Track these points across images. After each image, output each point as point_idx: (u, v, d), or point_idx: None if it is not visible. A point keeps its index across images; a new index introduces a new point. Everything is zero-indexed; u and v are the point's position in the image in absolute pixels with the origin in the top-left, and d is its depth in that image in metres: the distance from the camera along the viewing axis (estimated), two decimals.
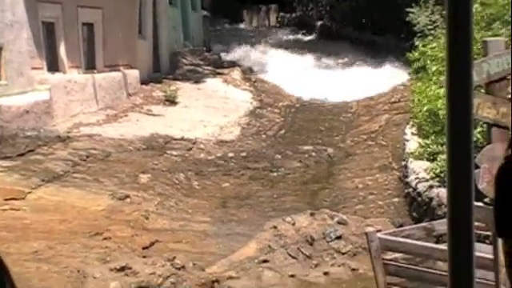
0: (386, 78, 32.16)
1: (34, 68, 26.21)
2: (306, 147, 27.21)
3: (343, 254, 16.79)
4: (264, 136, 28.71)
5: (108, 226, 18.65)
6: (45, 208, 19.37)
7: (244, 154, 25.91)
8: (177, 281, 14.61)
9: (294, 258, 16.76)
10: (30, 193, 20.16)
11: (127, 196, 20.89)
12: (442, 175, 17.53)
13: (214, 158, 25.17)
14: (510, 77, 16.74)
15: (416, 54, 23.65)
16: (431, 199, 18.43)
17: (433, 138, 20.21)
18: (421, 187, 19.49)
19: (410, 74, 24.03)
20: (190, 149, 25.60)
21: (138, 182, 22.16)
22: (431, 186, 18.92)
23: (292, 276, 16.26)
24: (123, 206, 20.23)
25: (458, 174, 2.29)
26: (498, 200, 1.44)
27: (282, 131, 29.54)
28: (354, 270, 16.06)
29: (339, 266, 16.50)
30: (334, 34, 42.63)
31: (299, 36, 44.85)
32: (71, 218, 18.95)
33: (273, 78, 36.43)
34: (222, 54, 39.90)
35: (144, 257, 16.26)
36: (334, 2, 43.54)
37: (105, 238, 17.93)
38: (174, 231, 18.98)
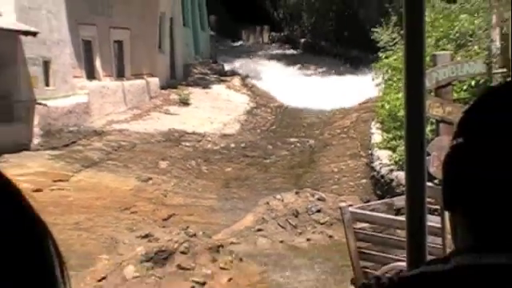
0: (356, 83, 32.01)
1: (75, 77, 26.26)
2: (292, 139, 27.23)
3: (322, 224, 16.84)
4: (259, 130, 28.69)
5: (134, 203, 18.72)
6: (84, 188, 19.42)
7: (243, 145, 25.92)
8: (189, 246, 14.60)
9: (282, 227, 16.80)
10: (72, 176, 20.25)
11: (150, 178, 21.00)
12: (401, 162, 17.56)
13: (218, 148, 25.18)
14: (454, 83, 16.85)
15: (380, 65, 23.66)
16: (392, 180, 18.51)
17: (393, 132, 20.25)
18: (383, 171, 19.57)
19: (373, 79, 24.00)
20: (200, 141, 25.60)
21: (158, 167, 22.23)
22: (392, 170, 19.01)
23: (281, 242, 16.31)
24: (147, 187, 20.32)
25: (414, 160, 2.29)
26: (445, 181, 1.43)
27: (273, 126, 29.53)
28: (330, 236, 16.11)
29: (319, 233, 16.56)
30: (314, 49, 42.54)
31: (286, 51, 44.73)
32: (105, 195, 18.99)
33: (265, 83, 36.33)
34: (225, 65, 39.82)
35: (163, 227, 16.28)
36: (314, 23, 43.43)
37: (132, 212, 18.00)
38: (187, 206, 19.02)
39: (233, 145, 25.82)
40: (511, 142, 1.41)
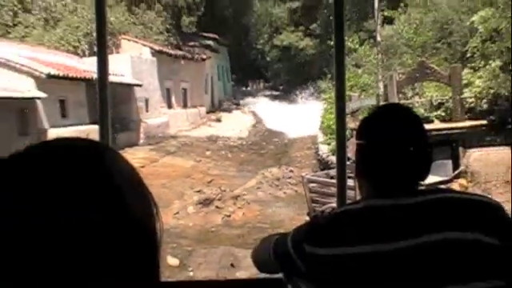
0: (311, 108, 31.84)
1: (161, 107, 26.28)
2: (275, 139, 27.16)
3: (292, 184, 16.83)
4: (258, 135, 28.63)
5: (193, 173, 18.71)
6: (166, 166, 19.41)
7: (250, 143, 25.88)
8: (222, 195, 14.64)
9: (271, 186, 16.80)
10: (160, 159, 20.26)
11: (200, 160, 20.96)
12: (333, 151, 17.57)
13: (237, 145, 25.14)
14: (360, 110, 16.84)
15: (322, 100, 23.75)
16: (328, 161, 18.43)
17: (329, 135, 20.22)
18: (324, 156, 19.51)
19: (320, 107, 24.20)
20: (227, 141, 25.55)
21: (204, 154, 22.21)
22: (328, 156, 18.93)
23: (270, 194, 16.32)
24: (199, 165, 20.29)
25: (340, 150, 2.29)
26: (356, 161, 1.45)
27: (266, 133, 29.46)
28: (296, 191, 16.09)
29: (290, 189, 16.55)
30: (288, 92, 42.25)
31: (273, 92, 44.50)
32: (177, 169, 18.98)
33: (260, 110, 36.10)
34: (240, 100, 39.70)
35: (208, 186, 16.31)
36: (287, 77, 43.20)
37: (191, 178, 17.97)
38: (220, 175, 18.99)
39: (244, 143, 25.81)
40: (379, 140, 1.45)
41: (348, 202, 2.10)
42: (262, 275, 1.80)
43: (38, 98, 17.88)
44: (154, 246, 0.70)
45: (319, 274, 1.38)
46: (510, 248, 1.34)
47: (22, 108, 17.29)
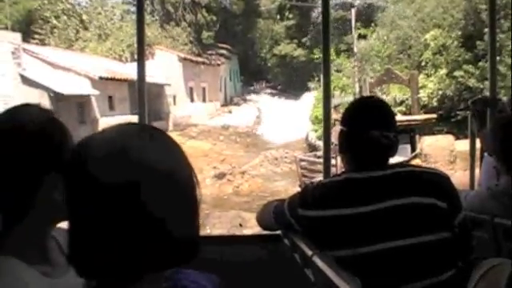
0: (302, 104, 31.51)
1: (185, 101, 26.15)
2: (274, 127, 26.97)
3: (287, 163, 16.75)
4: (261, 123, 28.42)
5: (210, 153, 18.60)
6: (189, 147, 19.03)
7: (254, 130, 25.78)
8: (232, 171, 14.65)
9: (270, 164, 16.77)
10: (185, 142, 20.06)
11: (215, 143, 20.86)
12: (320, 137, 17.48)
13: (244, 132, 25.02)
14: (341, 105, 16.66)
15: (313, 96, 23.56)
16: (316, 145, 18.29)
17: (316, 124, 20.10)
18: (312, 140, 19.40)
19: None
20: (236, 128, 25.45)
21: (219, 139, 22.10)
22: (316, 141, 18.82)
23: (270, 170, 16.27)
24: (215, 147, 20.17)
25: (326, 135, 2.28)
26: (339, 143, 1.45)
27: (267, 121, 29.24)
28: (290, 168, 15.96)
29: (286, 167, 16.48)
30: (285, 90, 41.87)
31: (272, 91, 44.01)
32: (198, 150, 18.77)
33: (262, 103, 35.70)
34: (247, 96, 39.30)
35: (221, 163, 16.27)
36: (284, 78, 42.69)
37: (209, 157, 17.88)
38: (231, 155, 18.91)
39: (250, 130, 25.69)
40: (353, 127, 1.45)
41: (332, 174, 2.10)
42: (264, 232, 1.81)
43: (93, 95, 18.07)
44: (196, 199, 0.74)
45: (310, 231, 1.39)
46: (454, 210, 1.38)
47: (80, 102, 17.51)
